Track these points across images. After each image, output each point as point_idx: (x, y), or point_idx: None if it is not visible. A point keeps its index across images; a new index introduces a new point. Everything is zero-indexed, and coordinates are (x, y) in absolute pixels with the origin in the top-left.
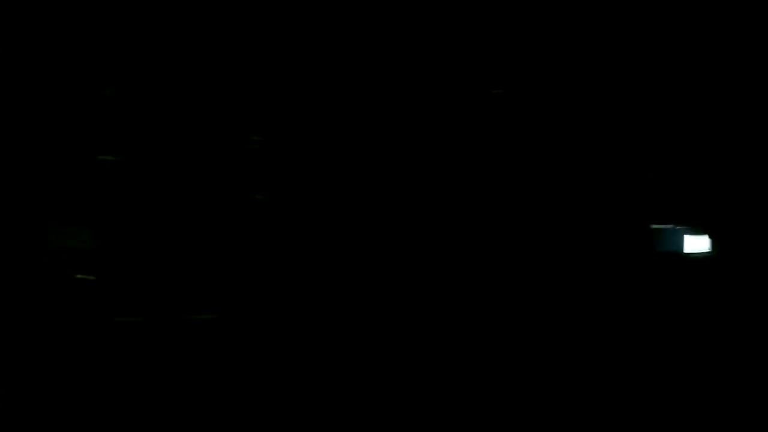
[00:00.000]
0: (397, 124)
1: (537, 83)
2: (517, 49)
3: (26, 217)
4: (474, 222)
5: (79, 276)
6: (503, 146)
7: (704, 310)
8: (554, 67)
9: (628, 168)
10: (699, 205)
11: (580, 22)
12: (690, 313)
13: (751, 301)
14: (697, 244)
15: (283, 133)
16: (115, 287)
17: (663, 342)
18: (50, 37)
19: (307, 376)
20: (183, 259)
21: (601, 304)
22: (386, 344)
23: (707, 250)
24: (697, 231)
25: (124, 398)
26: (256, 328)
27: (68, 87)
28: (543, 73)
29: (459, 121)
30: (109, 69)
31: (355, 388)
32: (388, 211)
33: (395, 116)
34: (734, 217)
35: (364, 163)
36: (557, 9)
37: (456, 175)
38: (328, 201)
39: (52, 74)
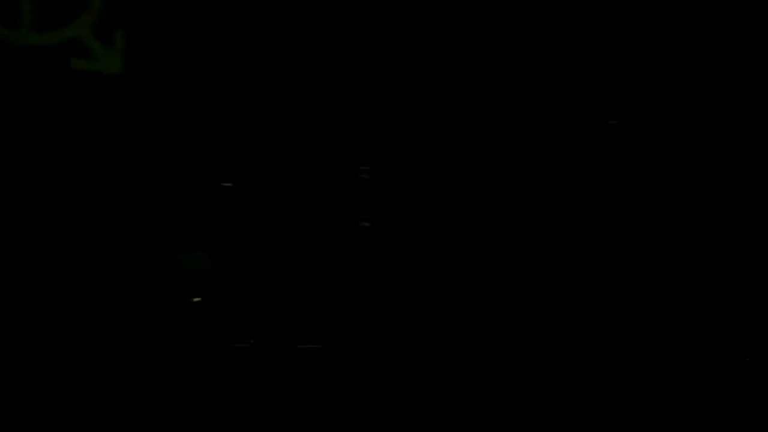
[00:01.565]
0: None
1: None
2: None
3: (152, 239)
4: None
5: (195, 299)
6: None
7: None
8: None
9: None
10: None
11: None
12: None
13: None
14: None
15: (391, 162)
16: (229, 311)
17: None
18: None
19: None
20: (293, 286)
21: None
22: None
23: None
24: None
25: (230, 421)
26: (359, 358)
27: (193, 118)
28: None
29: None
30: (239, 102)
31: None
32: (496, 244)
33: (503, 152)
34: None
35: (470, 194)
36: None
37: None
38: (435, 228)
39: (178, 104)
